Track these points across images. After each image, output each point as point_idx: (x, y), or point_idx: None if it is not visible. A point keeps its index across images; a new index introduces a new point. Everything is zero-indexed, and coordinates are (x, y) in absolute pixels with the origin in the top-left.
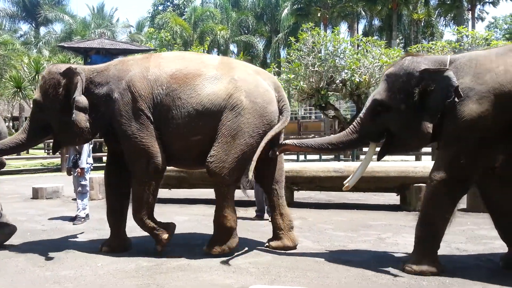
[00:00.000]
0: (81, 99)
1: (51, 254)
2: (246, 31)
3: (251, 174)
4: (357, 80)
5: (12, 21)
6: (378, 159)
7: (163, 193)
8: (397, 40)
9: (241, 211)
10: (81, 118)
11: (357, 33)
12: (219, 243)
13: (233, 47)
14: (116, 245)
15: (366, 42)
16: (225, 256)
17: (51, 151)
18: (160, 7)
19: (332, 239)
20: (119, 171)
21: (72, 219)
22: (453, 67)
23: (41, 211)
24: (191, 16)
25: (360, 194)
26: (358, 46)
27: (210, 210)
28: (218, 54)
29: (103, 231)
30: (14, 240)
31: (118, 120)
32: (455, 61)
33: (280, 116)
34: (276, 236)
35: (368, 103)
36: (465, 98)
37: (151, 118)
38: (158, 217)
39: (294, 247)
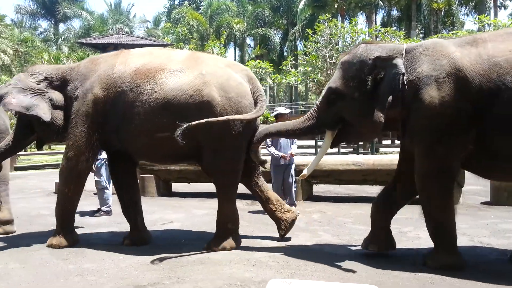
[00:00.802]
0: (54, 96)
1: (74, 248)
2: (262, 24)
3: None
4: None
5: (32, 18)
6: (332, 147)
7: (182, 187)
8: (417, 30)
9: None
10: (56, 116)
11: (375, 23)
12: (221, 242)
13: (249, 40)
14: (136, 238)
15: (385, 33)
16: (243, 249)
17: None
18: (177, 2)
19: (352, 233)
20: (123, 166)
21: (95, 212)
22: (409, 56)
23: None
24: (207, 10)
25: (379, 188)
26: (376, 37)
27: None
28: (235, 48)
29: (125, 225)
30: (38, 233)
31: (72, 119)
32: (412, 50)
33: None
34: (275, 219)
35: (324, 91)
36: (424, 86)
37: (107, 117)
38: (177, 211)
39: (295, 217)
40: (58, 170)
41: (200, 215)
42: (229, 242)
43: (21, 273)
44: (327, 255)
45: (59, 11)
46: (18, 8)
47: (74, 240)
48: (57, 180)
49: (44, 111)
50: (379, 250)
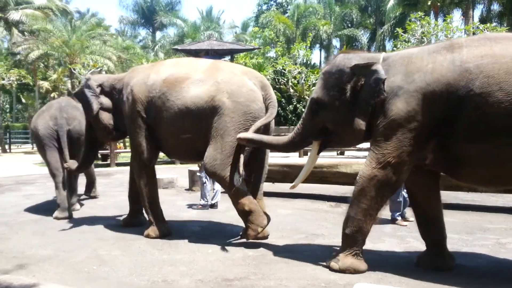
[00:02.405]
0: (104, 101)
1: (168, 239)
2: (349, 25)
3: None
4: None
5: (133, 27)
6: (317, 154)
7: (267, 186)
8: None
9: (337, 207)
10: (103, 117)
11: (473, 20)
12: (253, 226)
13: (335, 42)
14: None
15: (484, 30)
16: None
17: None
18: (264, 7)
19: None
20: None
21: (192, 205)
22: (385, 65)
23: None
24: (294, 13)
25: (475, 195)
26: (474, 34)
27: (313, 205)
28: (320, 49)
29: (214, 220)
30: (136, 225)
31: (125, 120)
32: (388, 59)
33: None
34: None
35: (308, 102)
36: (394, 97)
37: (145, 117)
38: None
39: (263, 238)
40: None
41: (285, 214)
42: (258, 221)
43: (122, 259)
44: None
45: (156, 20)
46: (121, 18)
47: (166, 231)
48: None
49: (94, 108)
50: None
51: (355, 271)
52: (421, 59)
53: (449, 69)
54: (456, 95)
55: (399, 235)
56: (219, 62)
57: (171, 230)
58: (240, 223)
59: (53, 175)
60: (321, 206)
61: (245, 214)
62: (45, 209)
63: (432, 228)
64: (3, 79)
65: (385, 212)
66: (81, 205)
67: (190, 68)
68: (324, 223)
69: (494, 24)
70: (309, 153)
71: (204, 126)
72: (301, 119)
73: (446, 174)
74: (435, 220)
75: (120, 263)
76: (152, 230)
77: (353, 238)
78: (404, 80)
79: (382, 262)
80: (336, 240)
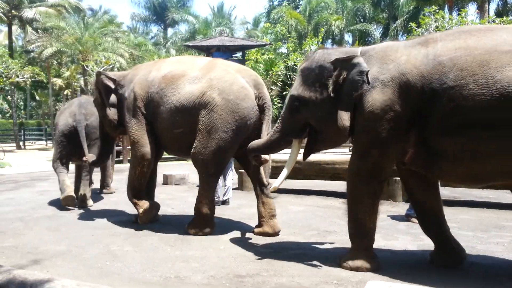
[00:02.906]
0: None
1: (180, 235)
2: (362, 20)
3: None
4: None
5: (145, 24)
6: (304, 159)
7: None
8: None
9: None
10: (109, 113)
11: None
12: (195, 227)
13: (348, 37)
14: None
15: (500, 23)
16: (342, 249)
17: None
18: (276, 2)
19: (459, 239)
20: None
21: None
22: (364, 58)
23: (170, 195)
24: (306, 9)
25: (490, 192)
26: None
27: (324, 201)
28: (332, 45)
29: (225, 216)
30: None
31: (125, 114)
32: (366, 53)
33: (262, 116)
34: (259, 223)
35: (286, 100)
36: (371, 88)
37: (145, 113)
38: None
39: (275, 234)
40: (164, 163)
41: (296, 211)
42: (205, 228)
43: (134, 255)
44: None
45: (168, 16)
46: (133, 15)
47: (153, 219)
48: (165, 173)
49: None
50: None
51: (367, 270)
52: (396, 51)
53: (422, 62)
54: (430, 88)
55: (413, 233)
56: (216, 60)
57: (157, 219)
58: (252, 219)
59: (53, 166)
60: (333, 203)
61: (198, 213)
62: (58, 205)
63: (433, 226)
64: (18, 76)
65: (397, 209)
66: (95, 201)
67: (188, 65)
68: (336, 220)
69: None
70: (301, 151)
71: (195, 121)
72: (280, 118)
73: (425, 172)
74: (435, 217)
75: (132, 259)
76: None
77: (358, 236)
78: (379, 71)
79: (395, 259)
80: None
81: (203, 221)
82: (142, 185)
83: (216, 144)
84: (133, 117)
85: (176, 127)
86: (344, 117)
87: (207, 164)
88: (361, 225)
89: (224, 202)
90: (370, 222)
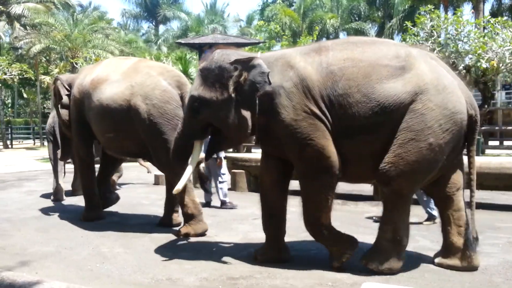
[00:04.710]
0: (65, 99)
1: (172, 236)
2: (357, 18)
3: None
4: (484, 66)
5: (135, 21)
6: (206, 160)
7: None
8: None
9: (344, 205)
10: (63, 113)
11: (484, 14)
12: (185, 226)
13: (342, 35)
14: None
15: (495, 24)
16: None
17: None
18: (270, 0)
19: None
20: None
21: (222, 204)
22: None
23: (162, 196)
24: (300, 7)
25: (485, 193)
26: (484, 28)
27: None
28: None
29: (219, 218)
30: (139, 221)
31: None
32: (266, 59)
33: None
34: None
35: (186, 101)
36: (277, 96)
37: (82, 116)
38: None
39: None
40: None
41: (289, 212)
42: (195, 228)
43: (125, 257)
44: (426, 262)
45: (159, 13)
46: (124, 12)
47: (96, 217)
48: (156, 173)
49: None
50: None
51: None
52: (294, 57)
53: (317, 70)
54: (325, 94)
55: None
56: (140, 63)
57: (103, 217)
58: (245, 220)
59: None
60: None
61: (185, 215)
62: (47, 205)
63: (275, 222)
64: (5, 73)
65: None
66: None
67: (113, 68)
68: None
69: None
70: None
71: (125, 129)
72: (182, 120)
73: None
74: (278, 214)
75: (123, 261)
76: (85, 214)
77: (325, 235)
78: (281, 78)
79: None
80: None
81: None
82: (93, 180)
83: (163, 148)
84: (74, 119)
85: (106, 131)
86: (247, 117)
87: (173, 169)
88: (321, 222)
89: (224, 203)
90: (327, 217)
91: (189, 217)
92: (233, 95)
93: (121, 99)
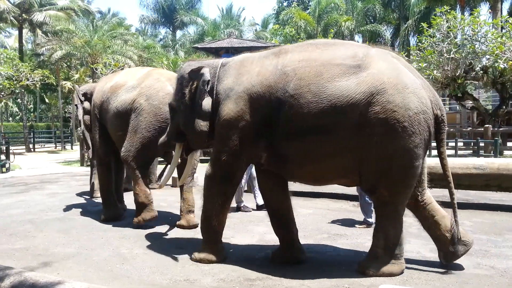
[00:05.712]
0: (86, 105)
1: (189, 237)
2: (372, 20)
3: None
4: (501, 66)
5: (154, 26)
6: (181, 157)
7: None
8: None
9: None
10: (85, 119)
11: (501, 14)
12: (137, 216)
13: (358, 38)
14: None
15: None
16: (351, 253)
17: None
18: (285, 3)
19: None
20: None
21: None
22: (224, 70)
23: (179, 198)
24: (315, 10)
25: (504, 194)
26: (502, 28)
27: (335, 204)
28: None
29: (235, 219)
30: (158, 223)
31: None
32: (226, 64)
33: None
34: (180, 217)
35: None
36: (227, 98)
37: (99, 118)
38: None
39: (189, 227)
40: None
41: (306, 214)
42: (144, 215)
43: (144, 258)
44: (443, 264)
45: (176, 18)
46: (142, 18)
47: (114, 216)
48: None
49: (79, 113)
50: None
51: (209, 262)
52: (251, 63)
53: (272, 72)
54: (276, 97)
55: (425, 236)
56: (154, 71)
57: (121, 215)
58: (262, 222)
59: None
60: (344, 206)
61: (136, 204)
62: (68, 207)
63: (282, 224)
64: (28, 79)
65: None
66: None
67: (130, 76)
68: (347, 223)
69: None
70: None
71: (128, 125)
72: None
73: (280, 173)
74: (285, 216)
75: (142, 262)
76: (103, 213)
77: (206, 231)
78: (234, 82)
79: (407, 263)
80: (359, 240)
81: (141, 210)
82: (111, 181)
83: (140, 142)
84: (93, 121)
85: (117, 130)
86: (201, 124)
87: (132, 159)
88: (210, 222)
89: (261, 207)
90: (217, 221)
91: (140, 206)
92: (188, 103)
93: (130, 99)
